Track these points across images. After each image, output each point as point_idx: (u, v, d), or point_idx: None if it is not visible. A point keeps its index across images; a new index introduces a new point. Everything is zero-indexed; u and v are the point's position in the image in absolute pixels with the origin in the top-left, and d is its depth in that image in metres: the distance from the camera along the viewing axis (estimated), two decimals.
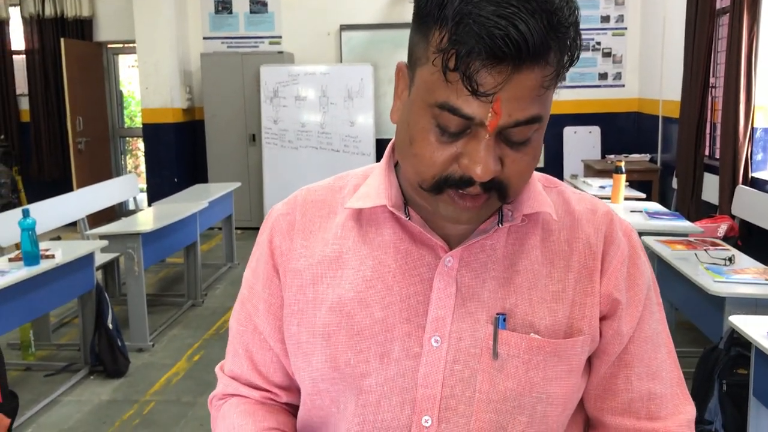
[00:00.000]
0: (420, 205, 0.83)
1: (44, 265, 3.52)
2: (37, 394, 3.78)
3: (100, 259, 4.37)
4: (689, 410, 0.88)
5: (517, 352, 0.80)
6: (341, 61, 7.75)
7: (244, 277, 0.96)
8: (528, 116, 0.72)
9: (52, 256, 3.62)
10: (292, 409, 0.95)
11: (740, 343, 2.76)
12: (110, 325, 4.04)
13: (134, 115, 9.62)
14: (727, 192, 4.93)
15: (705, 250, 3.53)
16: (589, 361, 0.86)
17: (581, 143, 7.63)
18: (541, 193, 0.85)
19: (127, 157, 9.43)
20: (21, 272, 3.39)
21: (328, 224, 0.88)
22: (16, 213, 4.28)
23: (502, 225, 0.82)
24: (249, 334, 0.92)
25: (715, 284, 2.98)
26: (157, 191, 7.44)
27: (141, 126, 7.96)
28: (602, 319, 0.84)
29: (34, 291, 3.52)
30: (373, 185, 0.86)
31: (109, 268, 5.25)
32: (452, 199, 0.76)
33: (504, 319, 0.80)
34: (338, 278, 0.85)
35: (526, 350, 0.80)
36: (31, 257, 3.48)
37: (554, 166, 7.45)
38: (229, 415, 0.91)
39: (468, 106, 0.70)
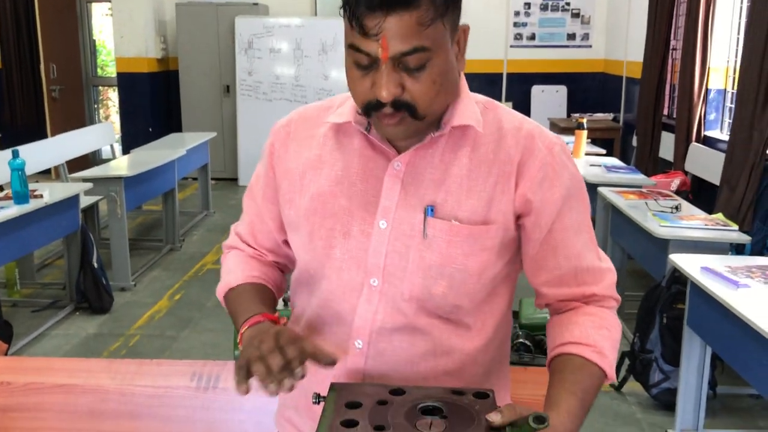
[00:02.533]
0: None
1: (33, 205, 3.68)
2: (26, 328, 3.97)
3: (82, 202, 4.52)
4: (610, 276, 1.12)
5: (441, 234, 1.05)
6: (316, 15, 7.85)
7: (258, 165, 1.24)
8: (410, 47, 0.94)
9: (41, 196, 3.78)
10: (279, 266, 1.26)
11: (680, 281, 3.06)
12: (95, 264, 4.23)
13: (105, 65, 9.61)
14: (682, 149, 5.23)
15: (655, 199, 3.82)
16: (521, 247, 1.11)
17: (548, 102, 7.88)
18: (472, 111, 1.07)
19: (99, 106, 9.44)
20: (11, 210, 3.55)
21: (315, 134, 1.15)
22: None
23: (436, 134, 1.06)
24: (254, 209, 1.22)
25: (660, 228, 3.27)
26: (131, 140, 7.52)
27: (113, 75, 7.99)
28: (521, 215, 1.06)
29: (22, 229, 3.69)
30: (347, 106, 1.11)
31: (89, 213, 5.39)
32: (379, 120, 1.01)
33: (432, 210, 1.05)
34: (317, 175, 1.11)
35: (447, 232, 1.04)
36: (20, 196, 3.64)
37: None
38: (230, 261, 1.24)
39: (365, 45, 0.95)
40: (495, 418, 0.86)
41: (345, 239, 1.08)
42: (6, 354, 3.28)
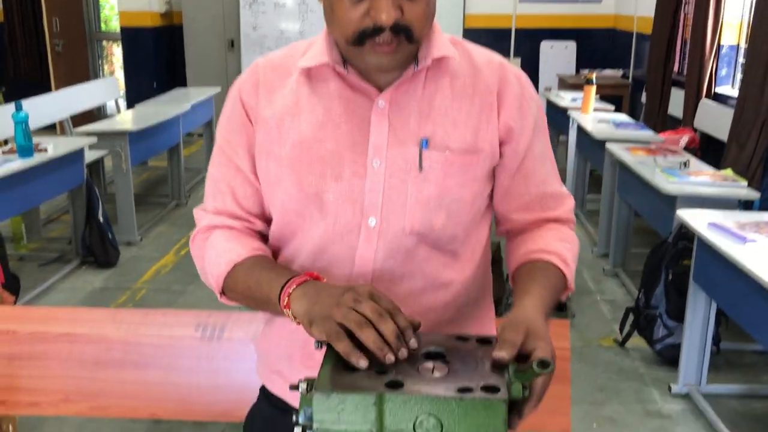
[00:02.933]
0: (354, 62, 1.05)
1: (37, 158, 3.67)
2: (33, 282, 3.99)
3: (88, 157, 4.50)
4: (570, 201, 1.19)
5: (437, 165, 1.05)
6: None
7: (217, 133, 1.16)
8: None
9: (45, 150, 3.76)
10: (263, 237, 1.18)
11: (687, 237, 3.04)
12: (101, 219, 4.23)
13: (109, 19, 9.49)
14: (692, 106, 5.16)
15: (663, 156, 3.78)
16: (494, 176, 1.13)
17: (557, 58, 7.76)
18: (446, 43, 1.09)
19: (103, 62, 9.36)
20: (16, 164, 3.54)
21: (286, 82, 1.10)
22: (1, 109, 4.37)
23: (417, 68, 1.05)
24: (232, 174, 1.12)
25: (668, 184, 3.24)
26: (135, 95, 7.46)
27: (115, 30, 7.90)
28: (503, 143, 1.10)
29: (27, 183, 3.68)
30: (317, 48, 1.08)
31: (94, 168, 5.38)
32: (373, 48, 0.99)
33: (426, 142, 1.05)
34: (296, 122, 1.07)
35: (443, 164, 1.05)
36: (24, 150, 3.62)
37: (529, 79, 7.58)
38: (218, 242, 1.11)
39: None
40: (501, 354, 0.86)
41: (337, 182, 1.05)
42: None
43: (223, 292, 1.12)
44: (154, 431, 2.63)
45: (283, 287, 0.99)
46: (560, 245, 1.12)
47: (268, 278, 1.03)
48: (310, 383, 0.84)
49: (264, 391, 1.23)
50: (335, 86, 1.08)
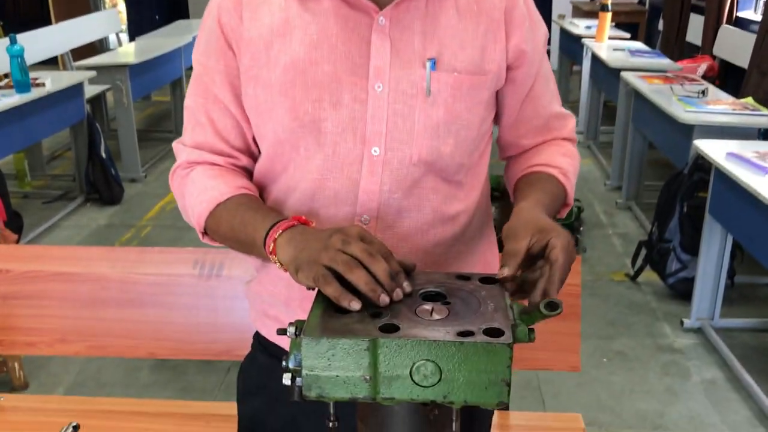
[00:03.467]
0: None
1: (35, 93, 3.57)
2: (38, 219, 3.96)
3: (89, 92, 4.40)
4: (572, 120, 1.16)
5: (446, 88, 0.97)
6: None
7: (193, 59, 1.06)
8: None
9: (43, 85, 3.66)
10: (248, 174, 1.09)
11: (703, 168, 2.94)
12: (103, 155, 4.16)
13: None
14: (711, 32, 4.96)
15: (681, 84, 3.64)
16: (499, 102, 1.08)
17: None
18: None
19: None
20: (13, 99, 3.45)
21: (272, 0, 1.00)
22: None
23: None
24: (210, 104, 1.02)
25: (685, 113, 3.12)
26: (137, 28, 7.29)
27: None
28: (514, 67, 1.03)
29: (26, 118, 3.60)
30: None
31: (96, 104, 5.28)
32: None
33: (434, 63, 0.97)
34: (288, 42, 0.97)
35: (452, 86, 0.97)
36: (21, 85, 3.53)
37: (543, 8, 7.33)
38: (200, 179, 1.02)
39: None
40: (503, 271, 0.82)
41: (336, 110, 0.96)
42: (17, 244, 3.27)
43: (205, 233, 1.04)
44: (160, 369, 2.62)
45: (268, 232, 0.91)
46: (562, 160, 1.09)
47: (253, 220, 0.96)
48: (300, 327, 0.77)
49: (259, 338, 1.16)
50: (329, 3, 0.97)
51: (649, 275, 3.25)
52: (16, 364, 2.53)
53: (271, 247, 0.90)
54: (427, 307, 0.79)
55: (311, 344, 0.73)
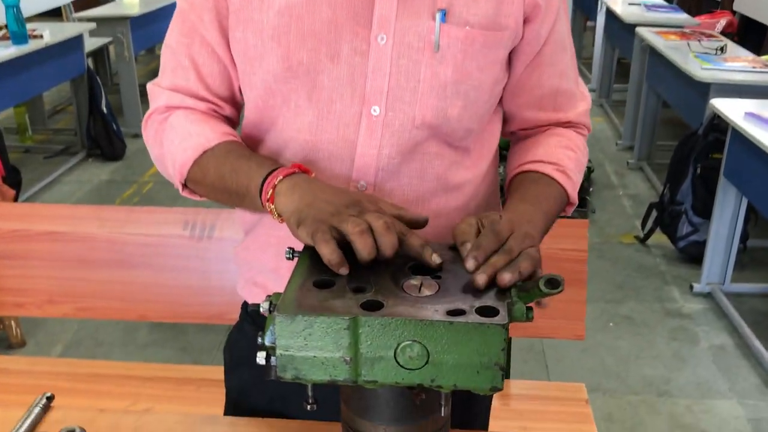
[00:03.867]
0: None
1: (33, 45, 3.48)
2: (39, 174, 3.91)
3: (90, 45, 4.31)
4: (585, 103, 1.03)
5: (456, 43, 0.87)
6: None
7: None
8: None
9: (41, 36, 3.57)
10: (232, 124, 1.00)
11: (719, 128, 2.84)
12: (104, 109, 4.09)
13: None
14: None
15: (698, 40, 3.51)
16: (509, 64, 0.96)
17: None
18: None
19: None
20: (10, 50, 3.37)
21: None
22: None
23: None
24: (195, 46, 0.93)
25: (702, 71, 3.00)
26: None
27: None
28: (525, 22, 0.92)
29: (24, 71, 3.52)
30: None
31: (99, 57, 5.19)
32: None
33: (444, 14, 0.87)
34: None
35: (463, 41, 0.87)
36: (18, 36, 3.44)
37: None
38: (180, 124, 0.93)
39: None
40: (468, 263, 0.72)
41: (333, 62, 0.87)
42: (15, 200, 3.22)
43: (185, 185, 0.95)
44: (159, 328, 2.59)
45: (266, 178, 0.83)
46: (563, 154, 0.97)
47: (247, 166, 0.87)
48: (275, 301, 0.71)
49: (246, 308, 1.10)
50: None
51: (659, 238, 3.18)
52: (12, 323, 2.50)
53: (269, 194, 0.81)
54: (415, 282, 0.72)
55: (285, 322, 0.66)
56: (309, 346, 0.67)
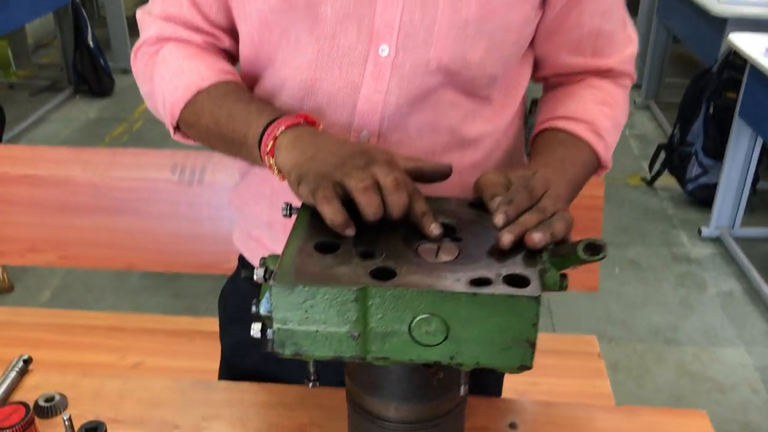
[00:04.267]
0: None
1: None
2: (24, 112, 3.76)
3: None
4: (632, 48, 0.90)
5: None
6: None
7: None
8: None
9: None
10: (231, 59, 0.89)
11: (734, 66, 2.72)
12: (90, 43, 3.91)
13: None
14: None
15: None
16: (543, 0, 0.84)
17: None
18: None
19: None
20: None
21: None
22: None
23: None
24: None
25: (719, 5, 2.85)
26: None
27: None
28: None
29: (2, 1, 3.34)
30: None
31: None
32: None
33: None
34: None
35: None
36: None
37: None
38: (173, 58, 0.83)
39: None
40: (505, 237, 0.61)
41: None
42: None
43: (178, 127, 0.85)
44: (150, 276, 2.51)
45: (266, 127, 0.73)
46: (598, 111, 0.86)
47: (246, 112, 0.77)
48: (271, 267, 0.61)
49: (243, 260, 1.01)
50: None
51: (666, 180, 3.08)
52: (0, 268, 2.41)
53: (269, 146, 0.72)
54: (432, 245, 0.63)
55: (283, 293, 0.57)
56: (311, 320, 0.58)
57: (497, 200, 0.65)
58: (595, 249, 0.58)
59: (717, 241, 2.73)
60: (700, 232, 2.76)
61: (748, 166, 2.61)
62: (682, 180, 2.96)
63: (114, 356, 1.45)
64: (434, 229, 0.64)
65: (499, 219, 0.62)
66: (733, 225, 2.71)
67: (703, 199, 2.88)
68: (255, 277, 0.61)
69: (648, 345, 2.23)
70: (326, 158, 0.67)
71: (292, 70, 0.80)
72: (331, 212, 0.62)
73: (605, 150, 0.85)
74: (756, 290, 2.45)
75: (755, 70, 2.35)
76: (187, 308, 2.33)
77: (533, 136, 0.88)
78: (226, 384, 0.94)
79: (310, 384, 0.66)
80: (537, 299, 0.56)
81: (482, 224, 0.66)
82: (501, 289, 0.56)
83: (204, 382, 0.93)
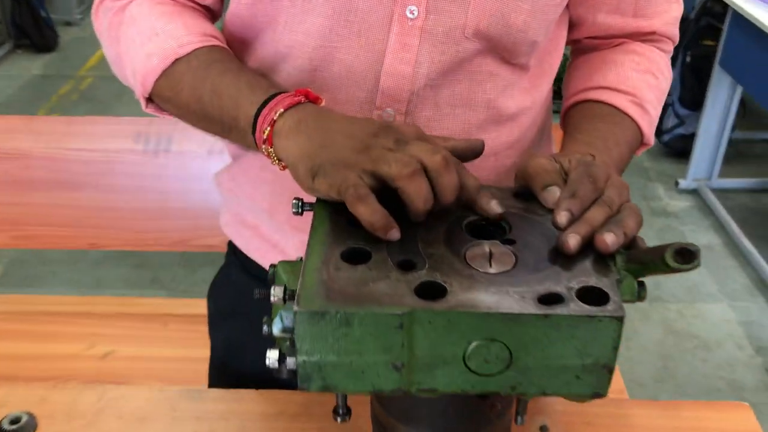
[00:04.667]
0: None
1: None
2: None
3: None
4: (677, 8, 0.80)
5: None
6: None
7: None
8: None
9: None
10: (213, 18, 0.76)
11: (712, 12, 2.64)
12: None
13: None
14: None
15: None
16: None
17: None
18: None
19: None
20: None
21: None
22: None
23: None
24: None
25: None
26: None
27: None
28: None
29: None
30: None
31: None
32: None
33: None
34: None
35: None
36: None
37: None
38: (143, 18, 0.70)
39: None
40: (570, 240, 0.51)
41: None
42: None
43: (151, 99, 0.71)
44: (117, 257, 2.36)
45: (261, 108, 0.60)
46: (641, 80, 0.75)
47: (234, 88, 0.63)
48: (284, 280, 0.50)
49: (233, 248, 0.88)
50: None
51: None
52: None
53: (265, 133, 0.59)
54: (482, 248, 0.52)
55: (310, 321, 0.46)
56: (344, 350, 0.47)
57: (553, 191, 0.55)
58: (687, 256, 0.49)
59: (694, 193, 2.69)
60: (677, 184, 2.72)
61: (726, 117, 2.56)
62: (657, 131, 2.90)
63: (81, 345, 1.33)
64: (495, 206, 0.54)
65: (562, 217, 0.52)
66: (711, 176, 2.68)
67: (679, 150, 2.84)
68: (273, 299, 0.49)
69: (632, 303, 2.18)
70: (342, 142, 0.55)
71: (301, 35, 0.68)
72: (369, 213, 0.50)
73: (649, 126, 0.75)
74: (735, 243, 2.42)
75: (738, 16, 2.28)
76: (153, 280, 2.21)
77: (564, 109, 0.78)
78: (220, 393, 0.83)
79: (339, 419, 0.56)
80: (621, 320, 0.46)
81: (533, 220, 0.56)
82: (577, 308, 0.46)
83: (194, 391, 0.82)
